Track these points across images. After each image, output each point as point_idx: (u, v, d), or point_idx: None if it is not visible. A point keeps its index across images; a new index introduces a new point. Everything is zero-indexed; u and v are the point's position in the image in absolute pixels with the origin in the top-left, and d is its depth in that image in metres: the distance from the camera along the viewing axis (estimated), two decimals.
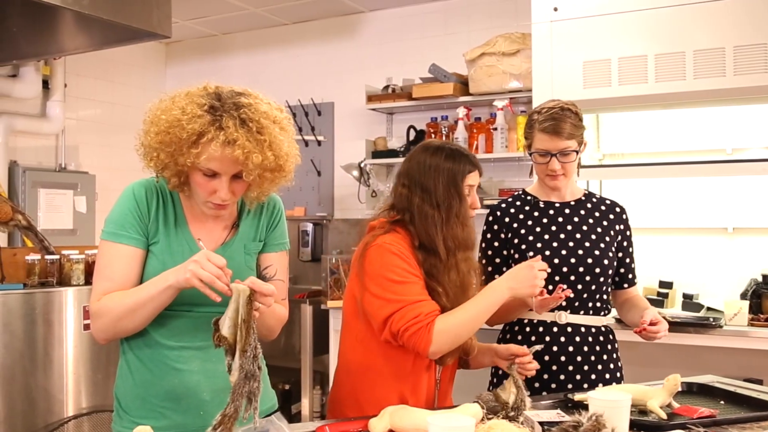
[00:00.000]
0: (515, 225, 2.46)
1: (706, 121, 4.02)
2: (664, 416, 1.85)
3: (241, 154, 1.66)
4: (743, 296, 3.70)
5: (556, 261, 2.36)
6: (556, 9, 3.89)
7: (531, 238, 2.42)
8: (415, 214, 2.11)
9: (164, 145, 1.69)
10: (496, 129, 4.71)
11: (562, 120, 2.34)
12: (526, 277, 2.02)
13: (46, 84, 5.35)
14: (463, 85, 4.79)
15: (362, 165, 5.17)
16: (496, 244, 2.48)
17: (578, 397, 2.00)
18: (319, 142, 5.70)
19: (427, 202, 2.10)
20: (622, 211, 2.55)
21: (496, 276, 2.40)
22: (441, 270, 2.07)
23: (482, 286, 2.43)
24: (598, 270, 2.39)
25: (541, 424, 1.74)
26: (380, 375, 2.09)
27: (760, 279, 3.72)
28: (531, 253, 2.38)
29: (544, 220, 2.45)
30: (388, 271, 2.03)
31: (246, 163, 1.68)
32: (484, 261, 2.48)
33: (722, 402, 2.05)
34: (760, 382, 2.52)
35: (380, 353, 2.08)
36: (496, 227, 2.49)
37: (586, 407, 1.76)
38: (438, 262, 2.07)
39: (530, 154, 2.43)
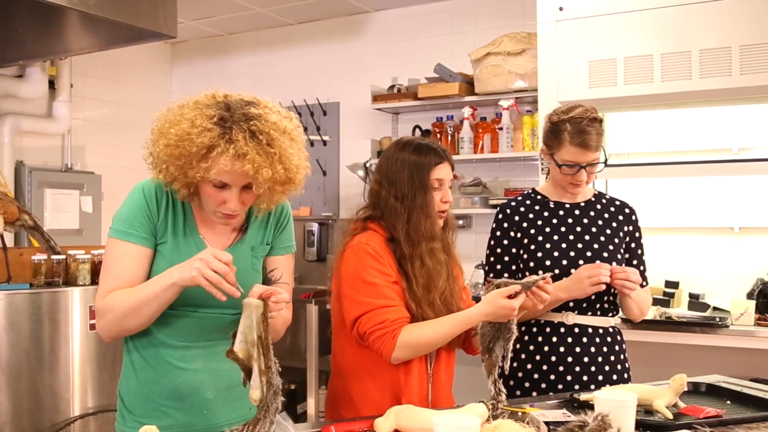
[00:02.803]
0: (525, 224, 2.45)
1: (712, 120, 4.01)
2: (670, 416, 1.84)
3: (251, 168, 1.65)
4: (749, 296, 3.69)
5: (565, 262, 2.36)
6: (561, 9, 3.89)
7: (540, 238, 2.42)
8: (383, 207, 2.15)
9: (173, 159, 1.68)
10: (501, 129, 4.71)
11: (591, 133, 2.32)
12: (502, 306, 1.95)
13: (52, 84, 5.35)
14: (468, 84, 4.79)
15: (367, 165, 5.17)
16: (505, 242, 2.47)
17: (584, 397, 2.00)
18: (324, 142, 5.70)
19: (393, 195, 2.14)
20: (632, 212, 2.54)
21: (506, 275, 2.41)
22: (408, 259, 2.12)
23: (487, 283, 2.44)
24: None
25: (547, 424, 1.74)
26: (369, 373, 2.12)
27: (766, 278, 3.72)
28: (540, 254, 2.38)
29: (554, 221, 2.45)
30: (361, 272, 2.08)
31: (256, 177, 1.67)
32: (492, 258, 2.49)
33: (728, 402, 2.05)
34: (766, 381, 2.51)
35: (366, 352, 2.11)
36: (505, 225, 2.48)
37: (591, 407, 1.76)
38: (405, 252, 2.12)
39: (559, 166, 2.39)
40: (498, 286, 1.98)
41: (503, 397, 1.94)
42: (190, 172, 1.69)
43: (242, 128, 1.65)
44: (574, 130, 2.33)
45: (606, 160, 2.39)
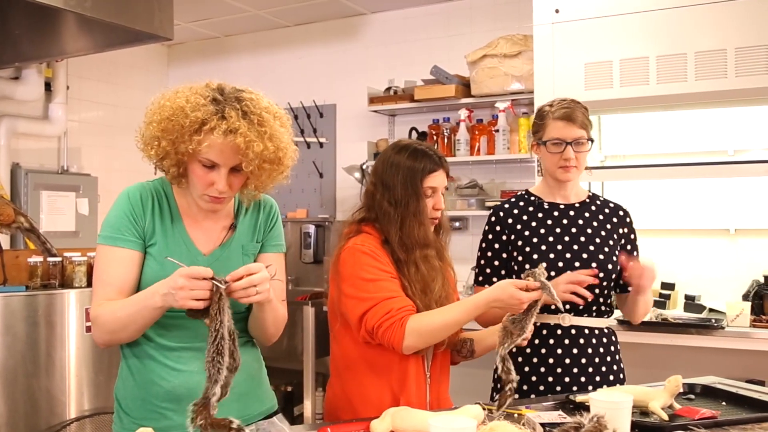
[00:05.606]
0: (518, 227, 2.44)
1: (707, 122, 4.02)
2: (666, 417, 1.85)
3: (242, 142, 1.68)
4: (745, 297, 3.70)
5: (560, 264, 2.35)
6: (557, 11, 3.89)
7: (535, 240, 2.41)
8: (377, 210, 2.15)
9: (166, 133, 1.72)
10: (497, 131, 4.71)
11: (575, 109, 2.38)
12: (511, 295, 1.95)
13: (48, 86, 5.35)
14: (464, 86, 4.79)
15: (364, 167, 5.18)
16: (496, 246, 2.47)
17: (580, 398, 2.00)
18: (321, 144, 5.70)
19: (387, 200, 2.14)
20: (626, 214, 2.53)
21: (495, 279, 2.40)
22: (402, 264, 2.12)
23: (477, 287, 2.44)
24: (601, 274, 2.37)
25: (543, 425, 1.74)
26: (367, 374, 2.12)
27: (761, 280, 3.72)
28: (535, 256, 2.37)
29: (548, 222, 2.44)
30: (360, 271, 2.08)
31: (246, 152, 1.70)
32: (482, 262, 2.48)
33: (724, 403, 2.05)
34: (761, 383, 2.52)
35: (363, 353, 2.12)
36: (498, 228, 2.47)
37: (587, 408, 1.76)
38: (399, 257, 2.12)
39: (543, 143, 2.39)
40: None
41: (513, 376, 1.88)
42: (181, 147, 1.72)
43: (234, 107, 1.71)
44: (558, 108, 2.39)
45: (592, 140, 2.40)
